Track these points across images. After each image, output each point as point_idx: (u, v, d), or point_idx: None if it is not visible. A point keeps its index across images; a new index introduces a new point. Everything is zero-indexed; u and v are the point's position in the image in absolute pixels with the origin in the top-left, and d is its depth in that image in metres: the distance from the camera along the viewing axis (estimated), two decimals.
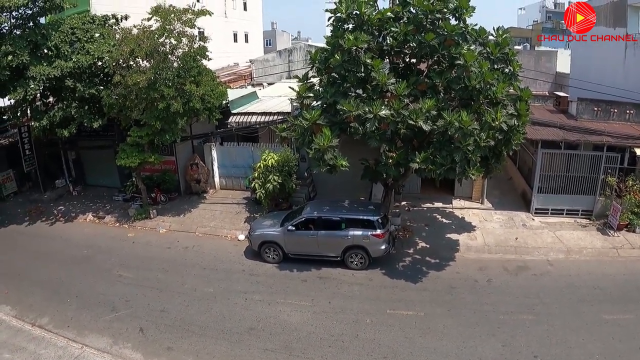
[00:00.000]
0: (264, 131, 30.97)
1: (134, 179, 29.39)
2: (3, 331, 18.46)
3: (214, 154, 31.70)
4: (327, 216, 22.30)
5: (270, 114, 30.82)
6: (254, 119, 30.96)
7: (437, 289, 20.40)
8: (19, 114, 27.25)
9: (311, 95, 21.17)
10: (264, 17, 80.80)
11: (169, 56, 24.76)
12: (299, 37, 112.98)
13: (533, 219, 26.64)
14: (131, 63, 24.66)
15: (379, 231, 21.41)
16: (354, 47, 18.71)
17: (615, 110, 27.48)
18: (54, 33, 25.10)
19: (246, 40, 73.51)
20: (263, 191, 26.17)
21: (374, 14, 19.78)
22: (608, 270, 21.60)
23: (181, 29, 24.91)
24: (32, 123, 27.14)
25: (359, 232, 21.57)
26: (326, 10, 20.88)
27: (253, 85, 48.45)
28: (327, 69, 20.36)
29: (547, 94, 39.23)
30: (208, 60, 27.03)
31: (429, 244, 24.37)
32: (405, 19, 19.96)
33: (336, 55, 19.14)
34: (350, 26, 20.21)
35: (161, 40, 24.41)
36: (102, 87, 25.96)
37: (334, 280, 21.24)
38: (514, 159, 32.89)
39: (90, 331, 18.31)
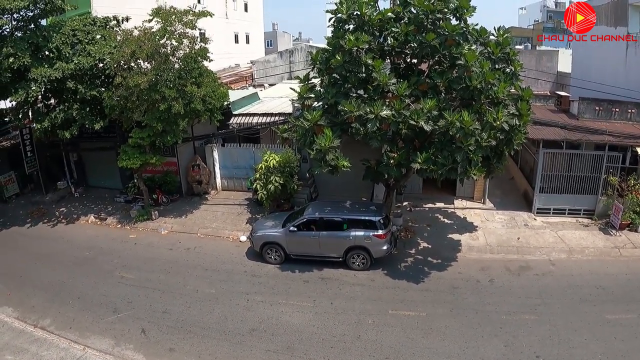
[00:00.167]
0: (265, 132, 30.97)
1: (135, 181, 29.41)
2: (5, 333, 18.46)
3: (216, 155, 31.71)
4: (329, 217, 22.28)
5: (271, 114, 30.84)
6: (255, 120, 30.98)
7: (439, 290, 20.38)
8: (20, 116, 27.31)
9: (312, 96, 21.19)
10: (265, 18, 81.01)
11: (170, 57, 24.78)
12: (300, 38, 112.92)
13: (535, 219, 26.61)
14: (132, 64, 24.67)
15: (380, 232, 21.40)
16: (355, 48, 18.74)
17: (617, 110, 27.44)
18: (55, 35, 25.16)
19: (247, 41, 73.57)
20: (265, 192, 26.15)
21: (374, 14, 19.80)
22: (610, 270, 21.57)
23: (182, 31, 24.96)
24: (34, 125, 27.21)
25: (360, 233, 21.55)
26: (327, 11, 20.88)
27: (254, 86, 48.53)
28: (328, 70, 20.38)
29: (549, 94, 39.26)
30: (209, 62, 27.05)
31: (431, 244, 24.35)
32: (406, 19, 19.98)
33: (337, 56, 19.17)
34: (351, 27, 20.22)
35: (162, 41, 24.45)
36: (103, 89, 26.00)
37: (336, 281, 21.23)
38: (516, 159, 32.87)
39: (92, 332, 18.31)
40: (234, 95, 33.08)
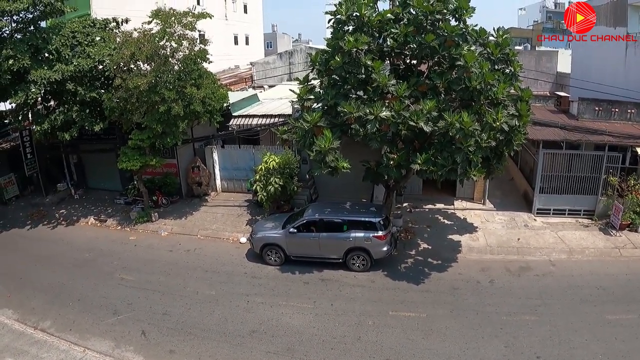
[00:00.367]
0: (265, 133, 30.97)
1: (135, 182, 29.43)
2: (5, 335, 18.46)
3: (216, 156, 31.72)
4: (329, 218, 22.28)
5: (271, 116, 30.84)
6: (255, 121, 30.98)
7: (439, 290, 20.38)
8: (20, 118, 27.31)
9: (312, 97, 21.17)
10: (264, 19, 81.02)
11: (170, 59, 24.81)
12: (300, 40, 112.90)
13: (535, 220, 26.61)
14: (132, 66, 24.70)
15: (380, 233, 21.40)
16: (354, 49, 18.75)
17: (617, 110, 27.45)
18: (54, 37, 25.18)
19: (247, 43, 73.61)
20: (264, 194, 26.15)
21: (374, 15, 19.82)
22: (610, 270, 21.56)
23: (182, 32, 24.98)
24: (34, 127, 27.20)
25: (360, 234, 21.55)
26: (326, 13, 20.88)
27: (254, 88, 48.48)
28: (327, 71, 20.40)
29: (548, 94, 39.24)
30: (209, 63, 27.05)
31: (431, 245, 24.35)
32: (405, 20, 19.96)
33: (337, 57, 19.20)
34: (351, 28, 20.24)
35: (162, 43, 24.47)
36: (103, 91, 26.02)
37: (336, 282, 21.22)
38: (516, 160, 32.87)
39: (92, 334, 18.30)
40: (233, 96, 33.09)
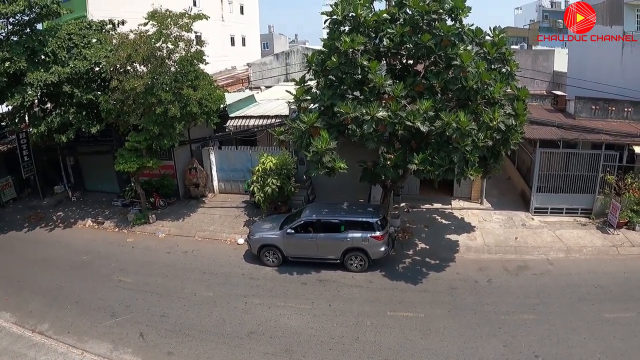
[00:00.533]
0: (262, 134, 30.97)
1: (132, 184, 29.38)
2: (3, 338, 18.40)
3: (213, 158, 31.70)
4: (326, 219, 22.29)
5: (268, 117, 30.82)
6: (252, 122, 30.96)
7: (437, 290, 20.38)
8: (17, 121, 27.26)
9: (308, 98, 21.15)
10: (261, 20, 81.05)
11: (166, 61, 24.81)
12: (296, 40, 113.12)
13: (532, 219, 26.65)
14: (128, 68, 24.64)
15: (378, 233, 21.39)
16: (351, 49, 18.74)
17: (613, 108, 27.50)
18: (50, 39, 25.16)
19: (243, 44, 73.63)
20: (262, 194, 26.12)
21: (370, 15, 19.77)
22: (608, 269, 21.58)
23: (178, 34, 24.97)
24: (30, 129, 27.11)
25: (358, 235, 21.54)
26: (322, 13, 20.86)
27: (251, 89, 48.49)
28: (324, 72, 20.37)
29: (545, 93, 39.28)
30: (205, 64, 27.03)
31: (429, 245, 24.35)
32: (401, 20, 19.95)
33: (333, 58, 19.17)
34: (347, 28, 20.19)
35: (158, 44, 24.48)
36: (99, 93, 25.98)
37: (334, 283, 21.21)
38: (513, 159, 32.90)
39: (90, 337, 18.26)
40: (230, 97, 33.08)
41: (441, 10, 19.25)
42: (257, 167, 26.49)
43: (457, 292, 20.15)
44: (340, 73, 19.39)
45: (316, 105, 21.01)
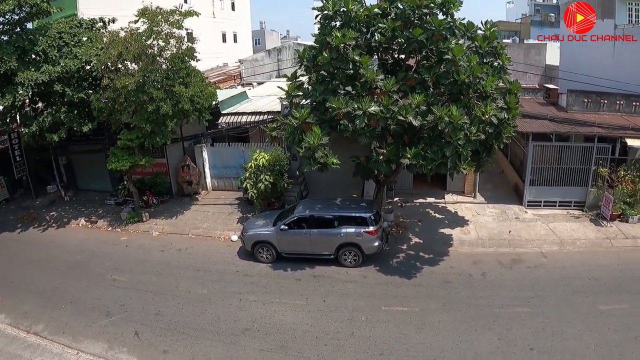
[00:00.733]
0: (254, 131, 30.89)
1: (125, 183, 29.25)
2: None
3: (205, 155, 31.64)
4: (320, 214, 22.30)
5: (260, 113, 30.70)
6: (244, 119, 30.84)
7: (431, 284, 20.41)
8: (8, 121, 27.03)
9: (300, 93, 21.19)
10: (252, 16, 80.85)
11: (157, 58, 24.70)
12: (288, 36, 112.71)
13: (526, 212, 26.72)
14: (119, 66, 24.54)
15: (371, 228, 21.41)
16: (342, 45, 18.71)
17: (605, 101, 27.57)
18: (41, 38, 24.98)
19: (235, 40, 73.41)
20: (255, 191, 26.11)
21: (361, 10, 19.77)
22: (602, 261, 21.66)
23: (169, 31, 24.84)
24: (22, 129, 26.97)
25: (351, 230, 21.56)
26: (313, 8, 20.80)
27: (243, 85, 48.47)
28: (315, 67, 20.36)
29: (537, 87, 39.29)
30: (197, 61, 26.93)
31: (423, 239, 24.38)
32: (392, 14, 19.92)
33: (324, 53, 19.15)
34: (338, 23, 20.21)
35: (149, 42, 24.35)
36: (91, 91, 25.84)
37: (328, 279, 21.22)
38: (506, 152, 32.98)
39: (85, 337, 18.22)
40: (222, 94, 33.00)
41: (432, 5, 19.26)
42: (249, 164, 26.46)
43: (452, 286, 20.19)
44: (331, 68, 19.38)
45: (308, 100, 21.00)
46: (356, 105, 18.25)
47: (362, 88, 19.00)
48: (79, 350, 17.51)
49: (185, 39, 25.80)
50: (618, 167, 25.40)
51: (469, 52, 19.07)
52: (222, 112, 31.29)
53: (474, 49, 19.60)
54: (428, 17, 19.18)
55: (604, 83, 28.60)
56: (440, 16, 19.68)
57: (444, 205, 28.24)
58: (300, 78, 21.62)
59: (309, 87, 20.92)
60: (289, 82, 21.35)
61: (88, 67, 25.64)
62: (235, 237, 25.41)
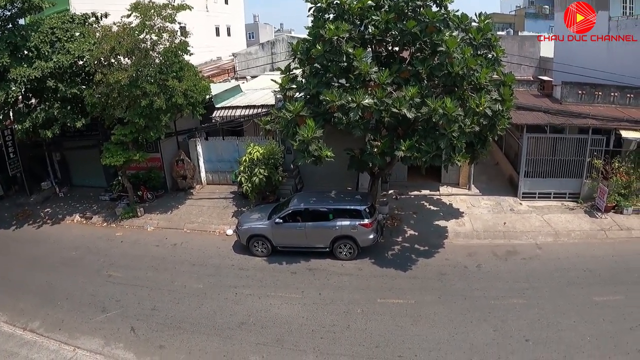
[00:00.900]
0: (248, 124, 30.80)
1: (119, 178, 29.18)
2: None
3: (199, 149, 31.57)
4: (315, 207, 22.30)
5: (254, 107, 30.61)
6: (238, 112, 30.74)
7: (427, 277, 20.45)
8: (1, 117, 26.88)
9: (294, 86, 21.13)
10: (246, 9, 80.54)
11: (150, 52, 24.60)
12: (282, 29, 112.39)
13: (521, 204, 26.76)
14: (112, 61, 24.45)
15: (366, 221, 21.43)
16: (335, 37, 18.62)
17: (600, 93, 27.60)
18: (33, 34, 24.84)
19: (228, 34, 73.12)
20: (249, 185, 26.07)
21: (354, 2, 19.68)
22: (597, 253, 21.73)
23: (161, 25, 24.73)
24: (15, 126, 26.88)
25: (346, 223, 21.58)
26: (307, 1, 20.75)
27: (236, 79, 48.23)
28: (309, 60, 20.25)
29: (532, 79, 39.30)
30: (190, 55, 26.82)
31: (418, 231, 24.41)
32: (386, 7, 19.84)
33: (318, 46, 19.07)
34: (331, 16, 20.17)
35: (142, 36, 24.26)
36: (84, 87, 25.73)
37: (324, 272, 21.24)
38: (500, 144, 32.99)
39: (81, 333, 18.20)
40: (216, 88, 32.85)
41: None
42: (244, 158, 26.41)
43: (447, 278, 20.24)
44: (325, 61, 19.31)
45: (302, 93, 20.97)
46: (350, 98, 18.21)
47: (356, 80, 18.94)
48: (76, 346, 17.48)
49: (179, 33, 25.66)
50: (612, 159, 25.42)
51: (463, 44, 19.05)
52: (216, 106, 31.16)
53: (468, 41, 19.57)
54: (422, 9, 19.13)
55: (599, 75, 28.60)
56: (434, 8, 19.65)
57: (438, 197, 28.26)
58: (294, 71, 21.54)
59: (303, 80, 20.85)
60: (283, 75, 21.29)
61: (81, 63, 25.52)
62: (230, 231, 25.41)
